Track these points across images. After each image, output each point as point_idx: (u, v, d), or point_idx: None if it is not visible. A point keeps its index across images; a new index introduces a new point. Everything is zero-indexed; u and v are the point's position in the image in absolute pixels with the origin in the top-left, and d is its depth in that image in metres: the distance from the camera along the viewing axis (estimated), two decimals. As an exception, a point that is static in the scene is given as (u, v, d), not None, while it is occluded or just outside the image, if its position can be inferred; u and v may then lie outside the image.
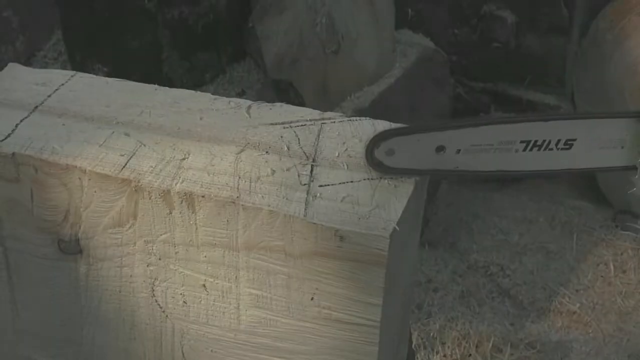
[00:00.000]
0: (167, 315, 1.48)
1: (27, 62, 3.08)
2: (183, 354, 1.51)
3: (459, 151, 1.39)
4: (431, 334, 3.26)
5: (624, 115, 1.44)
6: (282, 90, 3.26)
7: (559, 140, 1.42)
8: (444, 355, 3.19)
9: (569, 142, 1.42)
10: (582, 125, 1.43)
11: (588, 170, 1.49)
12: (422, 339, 3.22)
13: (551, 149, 1.42)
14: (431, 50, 3.98)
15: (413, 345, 2.98)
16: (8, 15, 3.20)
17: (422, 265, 3.68)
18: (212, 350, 1.49)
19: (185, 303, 1.45)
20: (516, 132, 1.40)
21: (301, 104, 1.83)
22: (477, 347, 3.23)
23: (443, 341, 3.24)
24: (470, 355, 3.19)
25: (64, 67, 3.04)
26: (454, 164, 1.41)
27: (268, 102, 1.60)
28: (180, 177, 1.38)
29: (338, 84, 3.48)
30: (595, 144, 1.44)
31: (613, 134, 1.44)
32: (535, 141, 1.41)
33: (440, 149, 1.39)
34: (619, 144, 1.45)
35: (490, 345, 3.22)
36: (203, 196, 1.35)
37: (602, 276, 3.62)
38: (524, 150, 1.41)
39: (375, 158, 1.38)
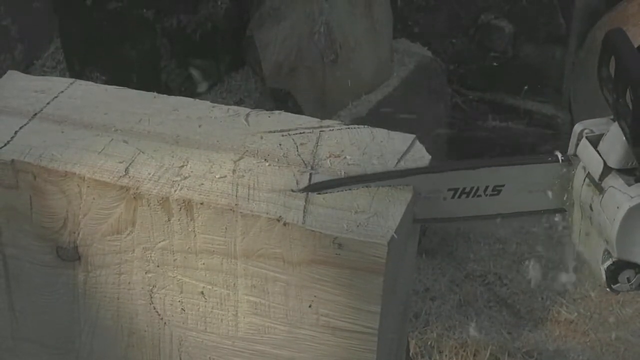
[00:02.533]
0: (165, 323, 1.48)
1: (26, 70, 3.08)
2: (181, 361, 1.51)
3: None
4: (429, 343, 3.26)
5: (550, 161, 1.44)
6: (280, 99, 3.26)
7: (487, 187, 1.42)
8: (442, 364, 3.19)
9: (497, 188, 1.43)
10: (509, 172, 1.43)
11: (518, 214, 1.49)
12: (419, 347, 3.22)
13: (479, 195, 1.43)
14: (429, 59, 3.99)
15: (411, 354, 2.98)
16: (7, 24, 3.20)
17: (420, 274, 3.68)
18: (210, 358, 1.48)
19: (184, 310, 1.45)
20: (443, 180, 1.41)
21: (299, 112, 1.83)
22: (474, 356, 3.23)
23: (440, 350, 3.24)
24: (467, 364, 3.19)
25: (62, 76, 3.04)
26: None
27: (266, 110, 1.61)
28: (178, 185, 1.38)
29: (336, 92, 3.48)
30: (523, 189, 1.44)
31: (540, 179, 1.45)
32: (464, 188, 1.41)
33: None
34: (548, 187, 1.45)
35: (488, 354, 3.21)
36: (202, 203, 1.35)
37: (599, 285, 3.62)
38: (452, 197, 1.42)
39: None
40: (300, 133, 1.52)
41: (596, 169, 1.36)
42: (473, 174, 1.42)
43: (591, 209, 1.37)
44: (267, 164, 1.43)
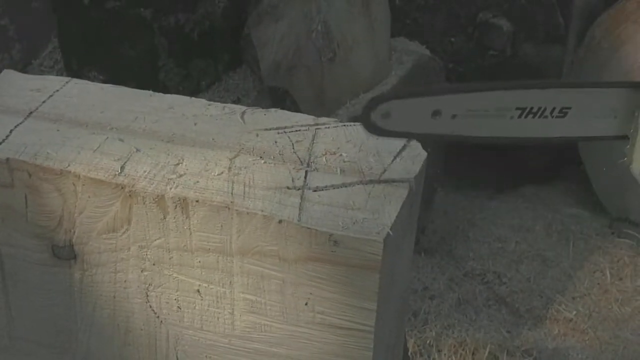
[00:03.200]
0: (161, 321, 1.48)
1: (24, 70, 3.08)
2: (177, 359, 1.51)
3: (454, 116, 1.39)
4: (427, 342, 3.26)
5: (617, 85, 1.45)
6: (278, 98, 3.26)
7: (554, 108, 1.42)
8: (441, 363, 3.19)
9: (563, 110, 1.43)
10: (577, 94, 1.43)
11: (581, 139, 1.50)
12: (418, 346, 3.21)
13: (546, 117, 1.42)
14: (427, 58, 3.98)
15: (409, 353, 2.98)
16: (4, 24, 3.20)
17: (419, 273, 3.68)
18: (206, 356, 1.48)
19: (180, 308, 1.45)
20: (512, 98, 1.40)
21: (297, 111, 1.83)
22: (473, 354, 3.23)
23: (439, 349, 3.24)
24: (466, 362, 3.19)
25: (60, 75, 3.03)
26: (449, 129, 1.40)
27: (264, 109, 1.61)
28: (174, 182, 1.38)
29: (334, 91, 3.48)
30: (589, 113, 1.45)
31: (607, 104, 1.45)
32: (531, 108, 1.41)
33: (436, 113, 1.38)
34: (612, 113, 1.46)
35: (487, 352, 3.21)
36: (197, 201, 1.35)
37: (598, 283, 3.62)
38: (519, 117, 1.41)
39: (371, 120, 1.37)
40: (296, 131, 1.52)
41: None
42: (541, 94, 1.42)
43: None
44: (262, 161, 1.43)
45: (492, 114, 1.40)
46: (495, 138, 1.45)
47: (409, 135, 1.41)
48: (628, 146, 1.49)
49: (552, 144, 1.50)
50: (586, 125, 1.46)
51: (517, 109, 1.41)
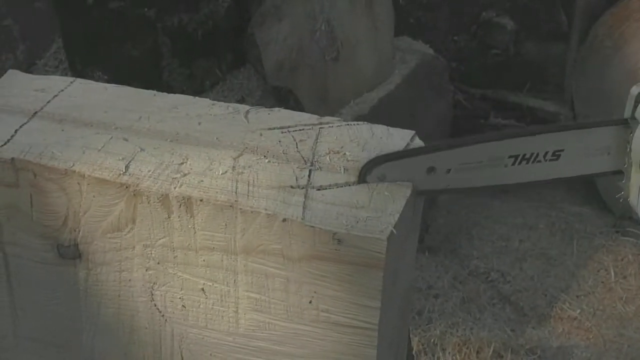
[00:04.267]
0: (166, 320, 1.48)
1: (28, 70, 3.09)
2: (182, 358, 1.51)
3: (449, 170, 1.41)
4: (432, 340, 3.26)
5: (609, 123, 1.47)
6: (282, 97, 3.27)
7: (547, 152, 1.44)
8: (445, 362, 3.19)
9: (556, 153, 1.45)
10: (569, 136, 1.45)
11: (577, 178, 1.51)
12: (422, 345, 3.22)
13: (539, 161, 1.44)
14: (430, 56, 3.99)
15: (414, 352, 2.98)
16: (9, 24, 3.21)
17: (423, 272, 3.68)
18: (211, 354, 1.49)
19: (184, 307, 1.46)
20: (504, 148, 1.43)
21: (301, 110, 1.83)
22: (477, 353, 3.23)
23: (444, 347, 3.25)
24: (471, 361, 3.19)
25: (64, 75, 3.04)
26: (445, 183, 1.43)
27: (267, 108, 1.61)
28: (178, 182, 1.38)
29: (337, 90, 3.48)
30: (582, 152, 1.46)
31: (599, 142, 1.47)
32: (524, 155, 1.43)
33: (430, 170, 1.41)
34: (606, 150, 1.47)
35: (491, 351, 3.21)
36: (201, 200, 1.35)
37: (602, 282, 3.63)
38: (513, 164, 1.44)
39: (368, 184, 1.40)
40: (300, 130, 1.52)
41: None
42: (532, 140, 1.44)
43: None
44: (266, 160, 1.43)
45: (486, 164, 1.42)
46: (491, 187, 1.47)
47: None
48: (623, 181, 1.50)
49: (549, 185, 1.53)
50: (580, 165, 1.48)
51: (510, 157, 1.43)
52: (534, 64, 4.21)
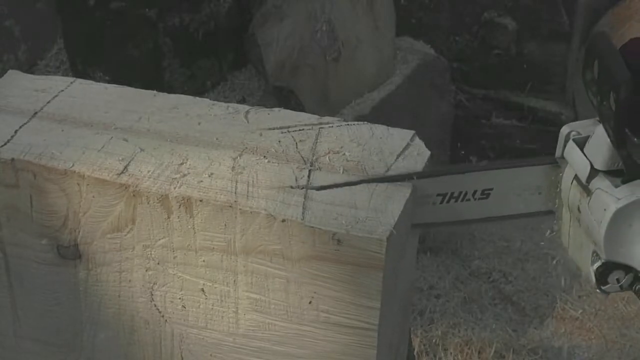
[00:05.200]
0: (166, 320, 1.48)
1: (29, 71, 3.09)
2: (182, 358, 1.51)
3: None
4: (433, 341, 3.26)
5: (539, 163, 1.45)
6: (283, 98, 3.27)
7: (475, 191, 1.42)
8: (446, 362, 3.19)
9: (485, 192, 1.43)
10: (498, 175, 1.43)
11: (507, 218, 1.49)
12: (424, 345, 3.22)
13: (468, 200, 1.42)
14: (432, 57, 3.99)
15: (415, 352, 2.98)
16: (10, 25, 3.21)
17: (424, 272, 3.68)
18: (211, 354, 1.49)
19: (184, 307, 1.46)
20: (432, 186, 1.41)
21: (302, 110, 1.83)
22: (479, 353, 3.23)
23: (445, 347, 3.25)
24: (472, 361, 3.19)
25: (65, 76, 3.04)
26: None
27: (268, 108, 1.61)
28: (178, 182, 1.38)
29: (339, 90, 3.48)
30: (512, 192, 1.45)
31: (529, 182, 1.45)
32: (452, 193, 1.41)
33: None
34: (536, 190, 1.45)
35: (493, 351, 3.22)
36: (201, 200, 1.35)
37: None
38: (441, 202, 1.42)
39: None
40: (300, 130, 1.52)
41: (583, 171, 1.35)
42: (461, 179, 1.42)
43: (579, 210, 1.37)
44: (266, 160, 1.43)
45: (415, 201, 1.40)
46: (421, 225, 1.46)
47: None
48: (554, 221, 1.48)
49: (480, 225, 1.50)
50: (510, 204, 1.46)
51: (438, 195, 1.41)
52: (535, 64, 4.20)
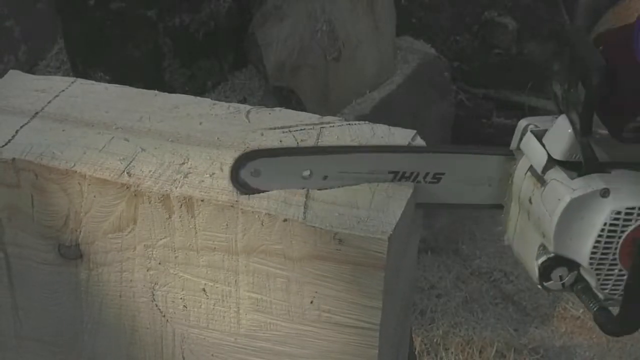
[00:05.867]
0: (167, 320, 1.48)
1: (30, 71, 3.08)
2: (184, 358, 1.51)
3: (325, 177, 1.38)
4: (434, 340, 3.27)
5: (493, 153, 1.44)
6: (284, 98, 3.27)
7: (427, 174, 1.40)
8: (447, 361, 3.19)
9: (437, 176, 1.41)
10: (451, 160, 1.42)
11: (454, 206, 1.49)
12: (425, 345, 3.22)
13: (419, 182, 1.41)
14: (432, 56, 3.99)
15: (416, 352, 2.98)
16: (10, 25, 3.21)
17: (425, 272, 3.68)
18: (212, 355, 1.49)
19: (186, 307, 1.46)
20: (384, 162, 1.39)
21: (303, 110, 1.83)
22: (480, 352, 3.23)
23: (446, 347, 3.25)
24: (473, 361, 3.19)
25: (66, 76, 3.04)
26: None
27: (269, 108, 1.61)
28: (179, 182, 1.38)
29: (339, 90, 3.48)
30: (462, 180, 1.43)
31: (481, 172, 1.44)
32: (404, 172, 1.40)
33: (307, 173, 1.37)
34: (487, 181, 1.44)
35: (494, 350, 3.22)
36: (202, 200, 1.35)
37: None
38: (392, 180, 1.40)
39: (240, 178, 1.36)
40: (301, 130, 1.52)
41: (539, 161, 1.35)
42: (415, 158, 1.41)
43: (530, 202, 1.36)
44: (267, 160, 1.43)
45: (364, 176, 1.38)
46: None
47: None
48: (502, 215, 1.47)
49: (427, 209, 1.48)
50: (458, 193, 1.44)
51: (390, 172, 1.39)
52: (536, 64, 4.20)
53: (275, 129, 1.52)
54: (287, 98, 3.27)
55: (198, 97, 1.65)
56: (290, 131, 1.51)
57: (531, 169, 1.38)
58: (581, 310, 3.45)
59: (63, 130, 1.51)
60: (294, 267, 1.34)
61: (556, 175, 1.33)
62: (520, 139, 1.42)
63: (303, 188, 1.37)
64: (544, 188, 1.34)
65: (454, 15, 4.21)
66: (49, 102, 1.59)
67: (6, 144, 1.47)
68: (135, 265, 1.45)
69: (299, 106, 3.23)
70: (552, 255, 1.34)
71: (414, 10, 4.18)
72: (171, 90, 1.83)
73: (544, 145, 1.36)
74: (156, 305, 1.48)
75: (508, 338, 3.33)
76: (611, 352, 3.31)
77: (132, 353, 1.55)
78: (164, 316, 1.48)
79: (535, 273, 1.37)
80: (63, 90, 1.64)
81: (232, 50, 3.39)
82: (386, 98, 3.60)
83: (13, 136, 1.49)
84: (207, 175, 1.39)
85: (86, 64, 3.15)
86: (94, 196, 1.41)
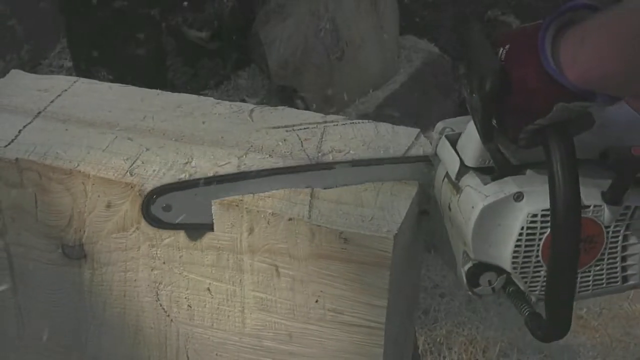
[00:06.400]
0: (171, 320, 1.48)
1: (33, 70, 3.09)
2: (188, 358, 1.51)
3: None
4: (438, 340, 3.26)
5: (413, 160, 1.42)
6: (287, 96, 3.26)
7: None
8: (451, 361, 3.18)
9: None
10: (370, 171, 1.41)
11: None
12: (428, 344, 3.21)
13: None
14: (436, 55, 3.99)
15: (420, 351, 2.98)
16: (13, 24, 3.21)
17: (429, 271, 3.67)
18: (217, 354, 1.48)
19: (190, 307, 1.45)
20: (304, 180, 1.38)
21: (306, 109, 1.82)
22: (484, 352, 3.22)
23: (450, 346, 3.24)
24: (477, 360, 3.19)
25: (69, 75, 3.04)
26: None
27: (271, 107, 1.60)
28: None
29: (342, 89, 3.48)
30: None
31: (401, 178, 1.41)
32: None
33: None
34: None
35: (497, 350, 3.21)
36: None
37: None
38: None
39: (151, 214, 1.37)
40: (305, 128, 1.51)
41: (453, 168, 1.32)
42: (331, 174, 1.40)
43: (450, 209, 1.33)
44: (271, 159, 1.42)
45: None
46: None
47: (194, 227, 1.39)
48: (428, 220, 1.46)
49: None
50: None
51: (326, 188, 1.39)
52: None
53: (278, 127, 1.52)
54: (289, 97, 3.26)
55: (201, 96, 1.64)
56: (294, 130, 1.51)
57: (447, 175, 1.34)
58: (584, 310, 3.45)
59: (66, 130, 1.50)
60: (299, 266, 1.34)
61: (470, 181, 1.29)
62: (437, 144, 1.38)
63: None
64: (459, 195, 1.31)
65: (457, 14, 4.20)
66: (52, 101, 1.59)
67: (9, 144, 1.46)
68: (139, 265, 1.44)
69: (302, 104, 3.22)
70: (476, 261, 1.30)
71: (417, 9, 4.18)
72: (174, 89, 1.83)
73: (457, 151, 1.33)
74: (160, 305, 1.47)
75: (511, 337, 3.32)
76: (615, 351, 3.30)
77: (136, 353, 1.54)
78: (169, 316, 1.48)
79: (463, 280, 1.33)
80: (65, 90, 1.63)
81: (235, 49, 3.39)
82: (389, 97, 3.60)
83: (16, 136, 1.48)
84: (212, 175, 1.39)
85: (89, 62, 3.15)
86: (98, 196, 1.40)
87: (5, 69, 1.74)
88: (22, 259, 1.52)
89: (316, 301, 1.36)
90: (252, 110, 1.57)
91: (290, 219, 1.31)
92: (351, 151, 1.45)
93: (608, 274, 1.34)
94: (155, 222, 1.37)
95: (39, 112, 1.56)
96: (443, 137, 1.36)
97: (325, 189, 1.36)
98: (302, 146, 1.46)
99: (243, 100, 3.27)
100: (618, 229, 1.30)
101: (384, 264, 1.29)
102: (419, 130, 1.53)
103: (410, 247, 1.43)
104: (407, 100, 3.69)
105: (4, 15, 3.15)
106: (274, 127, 1.51)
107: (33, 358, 1.63)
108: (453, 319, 3.41)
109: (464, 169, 1.31)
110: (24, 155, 1.43)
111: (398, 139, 1.50)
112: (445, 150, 1.35)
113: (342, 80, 3.47)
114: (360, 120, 1.55)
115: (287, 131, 1.51)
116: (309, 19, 3.29)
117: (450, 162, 1.34)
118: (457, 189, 1.31)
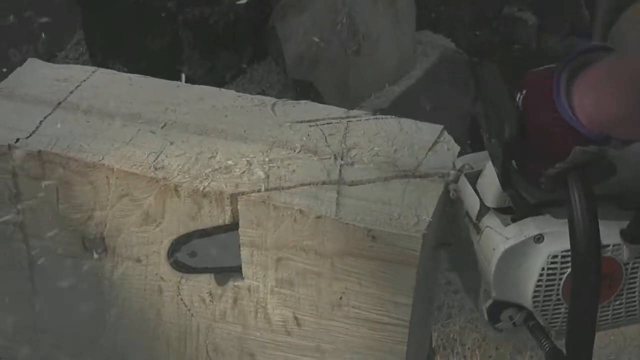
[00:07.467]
0: (192, 314, 1.47)
1: (49, 62, 3.07)
2: (207, 352, 1.49)
3: None
4: (451, 336, 3.25)
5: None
6: (303, 91, 3.25)
7: None
8: (464, 357, 3.17)
9: None
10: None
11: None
12: (442, 340, 3.20)
13: None
14: (452, 51, 3.96)
15: (433, 346, 2.97)
16: (29, 16, 3.20)
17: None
18: (237, 349, 1.47)
19: (212, 302, 1.44)
20: None
21: (321, 103, 1.82)
22: (497, 349, 3.21)
23: (463, 342, 3.23)
24: (490, 357, 3.18)
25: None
26: None
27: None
28: (209, 176, 1.36)
29: (358, 84, 3.46)
30: None
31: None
32: None
33: None
34: None
35: (511, 347, 3.19)
36: (233, 195, 1.33)
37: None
38: None
39: (179, 261, 1.40)
40: (328, 123, 1.50)
41: (473, 208, 1.33)
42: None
43: (471, 246, 1.34)
44: (297, 155, 1.41)
45: None
46: None
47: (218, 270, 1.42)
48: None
49: None
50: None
51: None
52: (556, 59, 4.18)
53: (302, 122, 1.50)
54: (305, 91, 3.25)
55: (222, 89, 1.63)
56: (317, 125, 1.50)
57: (467, 214, 1.35)
58: (599, 308, 3.43)
59: (87, 122, 1.49)
60: (325, 263, 1.32)
61: (490, 222, 1.30)
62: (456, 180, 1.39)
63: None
64: (480, 236, 1.32)
65: (474, 10, 4.18)
66: (71, 92, 1.57)
67: (30, 135, 1.45)
68: (161, 259, 1.43)
69: (318, 99, 3.20)
70: (497, 299, 1.31)
71: (433, 4, 4.16)
72: (190, 82, 1.81)
73: (477, 191, 1.34)
74: (181, 299, 1.46)
75: (525, 334, 3.30)
76: (628, 349, 3.29)
77: (155, 347, 1.53)
78: (189, 310, 1.46)
79: (484, 316, 1.34)
80: (84, 80, 1.62)
81: (251, 43, 3.37)
82: (405, 92, 3.58)
83: (37, 127, 1.47)
84: (238, 170, 1.37)
85: (105, 55, 3.14)
86: (122, 189, 1.39)
87: (22, 61, 1.73)
88: (42, 251, 1.51)
89: (340, 298, 1.35)
90: (274, 104, 1.56)
91: (318, 217, 1.29)
92: (376, 147, 1.44)
93: (627, 307, 1.34)
94: (183, 268, 1.40)
95: (59, 103, 1.54)
96: (463, 175, 1.37)
97: (350, 185, 1.35)
98: (326, 141, 1.45)
99: (262, 92, 3.26)
100: (637, 265, 1.30)
101: (411, 262, 1.28)
102: (442, 126, 1.51)
103: (434, 244, 1.41)
104: (423, 96, 3.68)
105: (20, 6, 3.14)
106: (297, 122, 1.50)
107: (49, 351, 1.62)
108: (467, 315, 3.39)
109: (484, 209, 1.32)
110: (46, 148, 1.41)
111: (422, 135, 1.49)
112: (465, 190, 1.36)
113: (358, 74, 3.45)
114: (383, 116, 1.54)
115: (310, 126, 1.49)
116: (325, 13, 3.28)
117: (470, 202, 1.35)
118: (478, 229, 1.32)
